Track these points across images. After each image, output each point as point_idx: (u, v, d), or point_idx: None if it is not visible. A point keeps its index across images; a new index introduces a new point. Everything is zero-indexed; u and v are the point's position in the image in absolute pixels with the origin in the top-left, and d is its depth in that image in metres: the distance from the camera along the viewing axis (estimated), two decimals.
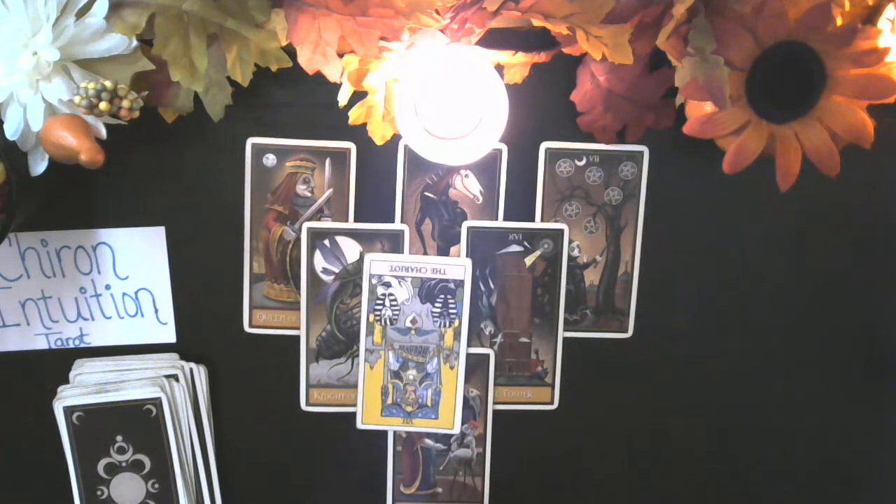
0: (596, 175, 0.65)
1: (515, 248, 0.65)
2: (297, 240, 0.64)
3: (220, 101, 0.57)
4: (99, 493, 0.66)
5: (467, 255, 0.65)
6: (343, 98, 0.58)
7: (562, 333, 0.67)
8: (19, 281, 0.64)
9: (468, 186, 0.65)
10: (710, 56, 0.50)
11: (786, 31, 0.51)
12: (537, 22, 0.53)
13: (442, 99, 0.56)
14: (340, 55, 0.55)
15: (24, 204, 0.54)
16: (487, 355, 0.67)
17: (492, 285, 0.66)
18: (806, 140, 0.53)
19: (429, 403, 0.67)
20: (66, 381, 0.64)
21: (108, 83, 0.50)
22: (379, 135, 0.59)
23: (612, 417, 0.70)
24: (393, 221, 0.65)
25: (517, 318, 0.67)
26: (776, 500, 0.74)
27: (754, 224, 0.66)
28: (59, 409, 0.63)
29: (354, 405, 0.67)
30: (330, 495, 0.71)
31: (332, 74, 0.55)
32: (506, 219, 0.65)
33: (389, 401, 0.67)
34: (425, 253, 0.65)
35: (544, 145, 0.64)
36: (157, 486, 0.66)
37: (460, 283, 0.65)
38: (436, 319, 0.66)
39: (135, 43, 0.52)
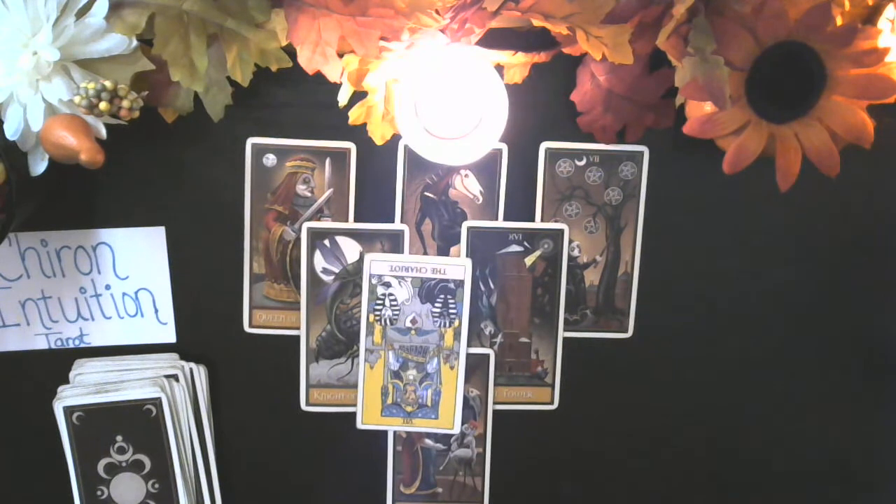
0: (596, 175, 0.65)
1: (515, 248, 0.65)
2: (297, 240, 0.64)
3: (220, 101, 0.57)
4: (99, 493, 0.66)
5: (467, 255, 0.65)
6: (343, 98, 0.58)
7: (562, 333, 0.67)
8: (19, 281, 0.64)
9: (468, 186, 0.65)
10: (710, 56, 0.50)
11: (786, 31, 0.51)
12: (537, 22, 0.53)
13: (442, 99, 0.56)
14: (340, 55, 0.55)
15: (24, 204, 0.54)
16: (487, 355, 0.67)
17: (492, 285, 0.66)
18: (806, 140, 0.53)
19: (429, 403, 0.67)
20: (66, 381, 0.64)
21: (108, 83, 0.50)
22: (379, 135, 0.59)
23: (612, 417, 0.70)
24: (393, 221, 0.65)
25: (517, 318, 0.67)
26: (776, 500, 0.73)
27: (754, 224, 0.66)
28: (59, 409, 0.63)
29: (354, 405, 0.67)
30: (330, 495, 0.71)
31: (332, 74, 0.55)
32: (506, 219, 0.65)
33: (389, 401, 0.67)
34: (425, 253, 0.65)
35: (544, 145, 0.64)
36: (157, 486, 0.66)
37: (460, 283, 0.65)
38: (436, 319, 0.66)
39: (135, 43, 0.52)
